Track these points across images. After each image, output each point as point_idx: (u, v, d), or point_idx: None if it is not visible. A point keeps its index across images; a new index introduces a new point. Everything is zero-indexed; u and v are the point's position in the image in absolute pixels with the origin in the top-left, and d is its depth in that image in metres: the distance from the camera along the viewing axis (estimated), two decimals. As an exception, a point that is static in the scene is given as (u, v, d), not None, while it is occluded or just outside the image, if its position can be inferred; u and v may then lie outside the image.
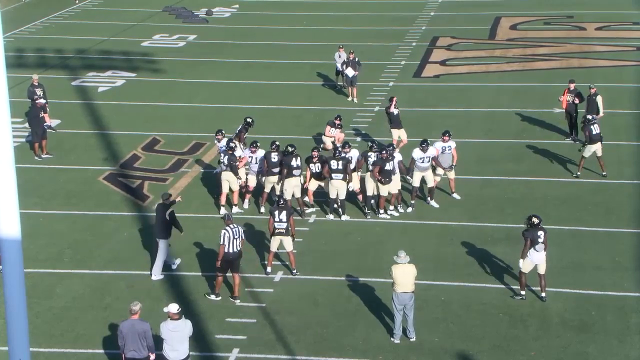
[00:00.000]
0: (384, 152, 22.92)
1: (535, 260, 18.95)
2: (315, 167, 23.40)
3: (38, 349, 17.07)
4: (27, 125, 28.56)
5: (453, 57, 38.67)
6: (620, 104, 31.58)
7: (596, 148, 25.40)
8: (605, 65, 37.14)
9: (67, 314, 18.91)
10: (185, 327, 15.46)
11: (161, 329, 15.52)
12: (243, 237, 19.29)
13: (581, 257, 21.15)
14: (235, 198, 23.72)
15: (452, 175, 24.21)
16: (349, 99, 32.60)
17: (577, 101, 28.05)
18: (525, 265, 19.05)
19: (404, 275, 17.49)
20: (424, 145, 23.57)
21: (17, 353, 10.14)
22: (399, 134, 27.33)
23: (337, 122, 27.54)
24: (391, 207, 23.44)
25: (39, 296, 19.31)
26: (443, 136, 24.12)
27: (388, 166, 22.84)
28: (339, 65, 33.54)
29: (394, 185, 23.20)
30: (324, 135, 27.68)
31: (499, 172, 26.30)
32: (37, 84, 29.80)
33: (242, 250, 19.31)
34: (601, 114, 27.59)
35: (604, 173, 25.57)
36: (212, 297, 19.34)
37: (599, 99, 27.70)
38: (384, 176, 22.81)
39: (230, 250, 18.91)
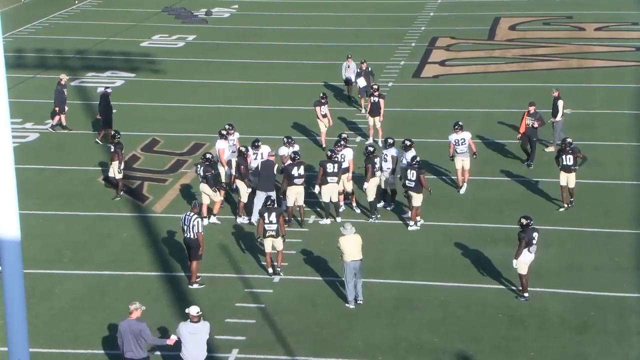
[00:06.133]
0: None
1: (528, 260, 18.99)
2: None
3: (37, 349, 17.04)
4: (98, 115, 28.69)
5: (452, 58, 38.67)
6: (619, 105, 31.60)
7: (567, 177, 23.59)
8: (605, 65, 37.14)
9: (67, 314, 18.93)
10: (204, 330, 15.48)
11: (180, 329, 15.47)
12: (196, 230, 19.46)
13: (580, 258, 21.16)
14: (216, 208, 23.07)
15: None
16: (362, 111, 31.18)
17: (536, 125, 26.10)
18: (521, 267, 19.06)
19: (351, 245, 18.81)
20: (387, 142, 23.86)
21: (16, 354, 10.14)
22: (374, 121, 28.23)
23: (324, 100, 27.87)
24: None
25: (39, 297, 19.31)
26: (455, 129, 24.52)
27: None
28: (344, 74, 32.36)
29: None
30: (318, 118, 27.80)
31: (498, 172, 26.29)
32: (64, 83, 29.89)
33: (200, 242, 19.51)
34: (559, 117, 27.16)
35: (566, 205, 23.59)
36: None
37: (560, 103, 27.15)
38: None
39: (186, 235, 19.64)
